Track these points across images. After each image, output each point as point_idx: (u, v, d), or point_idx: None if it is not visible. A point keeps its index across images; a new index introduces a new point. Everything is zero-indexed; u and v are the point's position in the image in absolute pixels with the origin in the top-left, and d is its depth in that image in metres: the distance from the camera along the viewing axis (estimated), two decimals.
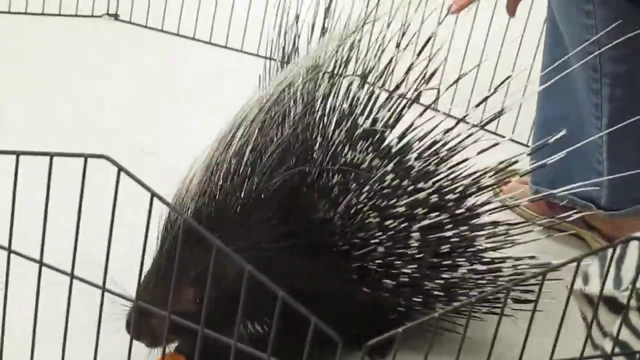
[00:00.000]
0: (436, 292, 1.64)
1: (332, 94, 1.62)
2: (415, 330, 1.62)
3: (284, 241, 1.49)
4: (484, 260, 1.66)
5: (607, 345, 1.22)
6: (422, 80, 1.67)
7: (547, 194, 1.91)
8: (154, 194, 0.86)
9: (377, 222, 1.56)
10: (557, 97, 2.03)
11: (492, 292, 1.01)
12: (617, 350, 1.18)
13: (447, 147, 1.64)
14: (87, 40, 3.08)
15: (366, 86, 1.64)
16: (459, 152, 1.65)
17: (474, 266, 1.65)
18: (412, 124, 1.66)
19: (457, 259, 1.64)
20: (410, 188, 1.60)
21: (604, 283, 1.11)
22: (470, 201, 1.65)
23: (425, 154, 1.63)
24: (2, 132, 2.34)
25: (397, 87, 1.65)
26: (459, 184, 1.64)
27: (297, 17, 1.69)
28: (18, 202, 0.94)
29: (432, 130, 1.66)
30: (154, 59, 3.02)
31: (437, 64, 1.72)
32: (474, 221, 1.65)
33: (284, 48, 1.68)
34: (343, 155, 1.59)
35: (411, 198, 1.58)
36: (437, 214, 1.60)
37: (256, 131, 1.47)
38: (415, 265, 1.60)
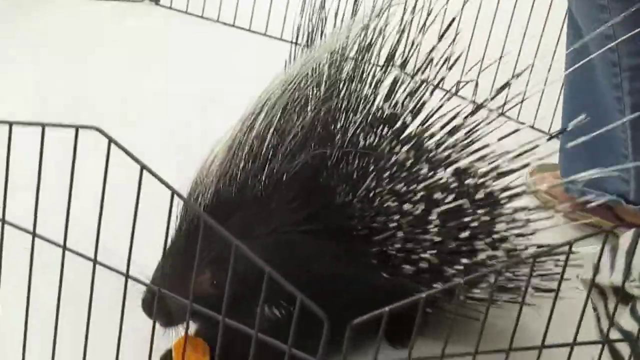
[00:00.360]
0: (456, 279, 1.62)
1: (355, 78, 1.61)
2: (434, 318, 1.64)
3: (304, 225, 1.49)
4: (504, 246, 1.64)
5: (613, 335, 1.21)
6: (445, 65, 1.66)
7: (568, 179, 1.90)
8: (143, 167, 0.86)
9: (396, 206, 1.55)
10: (582, 92, 2.03)
11: (478, 275, 0.99)
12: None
13: (467, 130, 1.62)
14: (128, 25, 3.10)
15: (389, 71, 1.63)
16: (479, 138, 1.64)
17: (494, 252, 1.63)
18: (421, 102, 1.63)
19: (477, 245, 1.61)
20: (430, 173, 1.59)
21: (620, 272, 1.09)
22: (490, 186, 1.63)
23: (446, 139, 1.61)
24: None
25: (419, 71, 1.63)
26: (478, 168, 1.62)
27: (323, 1, 1.68)
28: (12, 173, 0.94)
29: (454, 116, 1.64)
30: (192, 45, 3.02)
31: (460, 48, 1.70)
32: (494, 207, 1.63)
33: (309, 32, 1.67)
34: (363, 139, 1.58)
35: (430, 180, 1.56)
36: (455, 196, 1.58)
37: (279, 113, 1.47)
38: (435, 251, 1.58)
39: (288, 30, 3.01)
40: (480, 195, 1.61)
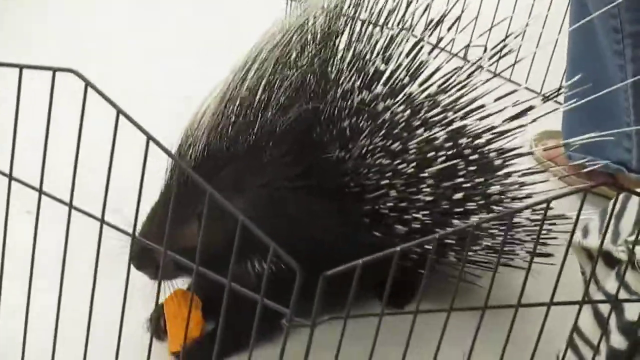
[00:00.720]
0: (448, 240, 1.62)
1: (348, 32, 1.59)
2: (434, 281, 1.64)
3: (296, 180, 1.48)
4: (498, 208, 1.64)
5: (598, 298, 1.21)
6: (440, 24, 1.65)
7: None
8: (120, 111, 0.85)
9: (389, 164, 1.54)
10: (585, 60, 2.02)
11: (454, 230, 0.98)
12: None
13: (461, 89, 1.61)
14: None
15: (384, 28, 1.62)
16: (476, 97, 1.63)
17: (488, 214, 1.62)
18: (418, 61, 1.61)
19: (470, 206, 1.61)
20: (425, 133, 1.57)
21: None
22: (485, 146, 1.62)
23: (441, 99, 1.60)
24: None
25: (412, 29, 1.62)
26: (473, 128, 1.61)
27: None
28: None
29: (451, 76, 1.63)
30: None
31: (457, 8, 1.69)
32: (488, 168, 1.62)
33: None
34: (357, 95, 1.56)
35: (423, 137, 1.55)
36: (449, 156, 1.57)
37: (271, 66, 1.46)
38: (427, 212, 1.58)
39: None
40: (474, 156, 1.60)
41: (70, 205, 0.93)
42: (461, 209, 1.60)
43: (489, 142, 1.63)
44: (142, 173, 0.90)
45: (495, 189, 1.63)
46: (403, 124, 1.56)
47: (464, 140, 1.61)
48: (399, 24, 1.62)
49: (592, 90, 1.70)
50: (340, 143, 1.54)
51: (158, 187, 1.44)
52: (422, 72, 1.62)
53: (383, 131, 1.55)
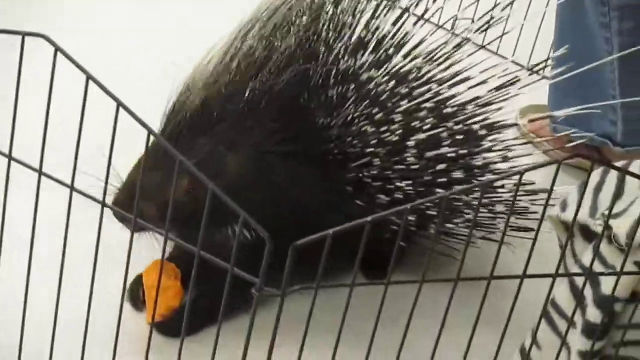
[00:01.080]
0: (430, 212, 1.61)
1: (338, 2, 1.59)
2: (413, 252, 1.64)
3: (283, 145, 1.48)
4: (480, 179, 1.63)
5: (575, 271, 1.20)
6: None
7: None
8: (89, 77, 0.85)
9: (373, 132, 1.54)
10: (572, 32, 2.01)
11: (427, 200, 0.98)
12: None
13: (445, 58, 1.60)
14: None
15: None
16: (461, 69, 1.62)
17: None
18: (400, 30, 1.61)
19: (453, 177, 1.60)
20: (409, 103, 1.57)
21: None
22: (469, 116, 1.62)
23: (427, 70, 1.60)
24: None
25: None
26: (458, 99, 1.61)
27: None
28: None
29: (437, 47, 1.62)
30: None
31: None
32: (473, 139, 1.62)
33: None
34: (343, 64, 1.56)
35: (408, 106, 1.55)
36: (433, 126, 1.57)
37: (270, 29, 1.46)
38: (410, 181, 1.57)
39: None
40: (459, 126, 1.60)
41: (40, 172, 0.92)
42: (444, 180, 1.60)
43: (473, 113, 1.62)
44: (112, 140, 0.89)
45: (478, 161, 1.63)
46: (388, 93, 1.55)
47: (448, 111, 1.60)
48: None
49: (578, 63, 1.69)
50: (326, 110, 1.54)
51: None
52: (408, 42, 1.61)
53: (368, 100, 1.54)
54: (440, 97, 1.60)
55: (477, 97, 1.62)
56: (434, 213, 1.60)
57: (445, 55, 1.61)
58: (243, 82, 1.45)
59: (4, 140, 0.99)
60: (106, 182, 0.94)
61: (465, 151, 1.60)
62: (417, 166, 1.57)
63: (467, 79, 1.62)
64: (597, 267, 1.14)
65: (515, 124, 1.74)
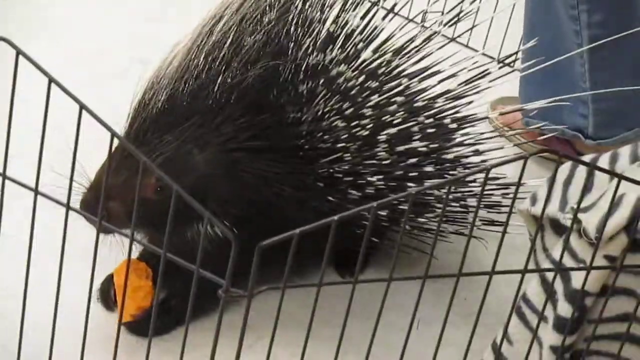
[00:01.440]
0: (402, 207, 1.61)
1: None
2: (387, 247, 1.64)
3: (252, 141, 1.47)
4: (452, 173, 1.63)
5: (546, 266, 1.20)
6: None
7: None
8: (51, 80, 0.83)
9: (344, 127, 1.53)
10: (541, 25, 2.01)
11: (393, 198, 0.97)
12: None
13: (414, 52, 1.60)
14: None
15: None
16: (431, 63, 1.62)
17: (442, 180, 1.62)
18: (369, 24, 1.61)
19: (425, 172, 1.60)
20: (379, 98, 1.56)
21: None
22: (439, 109, 1.62)
23: (397, 64, 1.59)
24: None
25: None
26: (428, 93, 1.61)
27: None
28: None
29: (407, 41, 1.61)
30: None
31: None
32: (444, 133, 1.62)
33: None
34: (312, 59, 1.55)
35: (378, 100, 1.54)
36: (404, 120, 1.56)
37: (237, 24, 1.44)
38: (382, 176, 1.57)
39: None
40: (429, 120, 1.60)
41: (4, 176, 0.91)
42: (416, 174, 1.59)
43: (444, 106, 1.62)
44: (76, 142, 0.88)
45: (450, 154, 1.62)
46: (358, 88, 1.55)
47: (419, 105, 1.60)
48: None
49: (548, 56, 1.70)
50: (296, 106, 1.53)
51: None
52: (377, 36, 1.60)
53: (338, 95, 1.54)
54: (410, 91, 1.60)
55: (448, 91, 1.62)
56: (406, 208, 1.60)
57: (415, 49, 1.60)
58: (209, 78, 1.43)
59: None
60: (70, 185, 0.93)
61: (436, 145, 1.60)
62: (388, 161, 1.56)
63: (437, 72, 1.62)
64: (568, 261, 1.14)
65: (486, 118, 1.74)
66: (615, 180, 1.01)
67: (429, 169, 1.60)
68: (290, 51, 1.53)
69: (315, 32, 1.55)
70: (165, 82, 1.42)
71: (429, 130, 1.59)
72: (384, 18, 1.61)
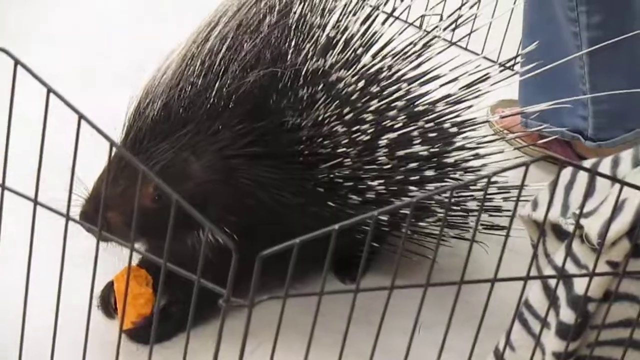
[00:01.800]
0: (403, 212, 1.60)
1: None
2: (389, 252, 1.63)
3: (250, 147, 1.46)
4: (453, 177, 1.63)
5: (548, 272, 1.20)
6: None
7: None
8: (50, 90, 0.83)
9: (344, 132, 1.53)
10: (541, 28, 2.00)
11: (395, 207, 0.97)
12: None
13: (415, 57, 1.59)
14: None
15: None
16: (431, 68, 1.61)
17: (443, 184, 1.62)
18: (369, 29, 1.60)
19: (426, 176, 1.60)
20: (380, 103, 1.56)
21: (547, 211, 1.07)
22: (440, 114, 1.62)
23: (397, 69, 1.59)
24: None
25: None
26: (428, 98, 1.60)
27: None
28: None
29: (407, 46, 1.61)
30: None
31: None
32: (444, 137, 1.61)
33: None
34: (311, 65, 1.55)
35: (378, 106, 1.54)
36: (404, 124, 1.56)
37: (233, 30, 1.44)
38: (382, 181, 1.56)
39: None
40: (430, 124, 1.59)
41: (3, 186, 0.91)
42: (416, 178, 1.59)
43: (444, 111, 1.62)
44: (75, 152, 0.88)
45: (450, 159, 1.62)
46: (358, 93, 1.54)
47: (419, 109, 1.60)
48: None
49: (547, 59, 1.69)
50: (296, 111, 1.53)
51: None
52: (377, 41, 1.60)
53: (338, 100, 1.53)
54: (411, 96, 1.59)
55: (448, 95, 1.61)
56: (407, 212, 1.59)
57: (416, 53, 1.60)
58: (206, 85, 1.43)
59: None
60: (70, 195, 0.93)
61: (437, 149, 1.59)
62: (388, 165, 1.56)
63: (437, 77, 1.61)
64: (570, 267, 1.14)
65: (486, 122, 1.73)
66: (617, 185, 1.01)
67: (429, 173, 1.60)
68: (289, 56, 1.53)
69: (315, 37, 1.55)
70: (161, 91, 1.41)
71: (430, 135, 1.58)
72: (383, 23, 1.60)
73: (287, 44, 1.53)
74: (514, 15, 2.24)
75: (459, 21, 1.64)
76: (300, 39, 1.55)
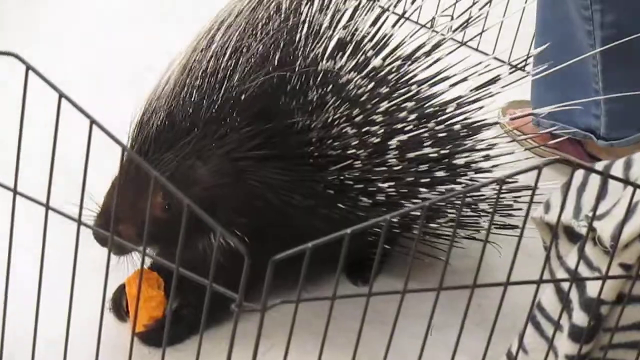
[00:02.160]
0: (414, 213, 1.60)
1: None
2: (400, 253, 1.63)
3: (259, 150, 1.46)
4: (464, 179, 1.63)
5: (560, 275, 1.19)
6: None
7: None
8: (62, 95, 0.83)
9: (354, 134, 1.52)
10: (554, 26, 2.00)
11: (405, 211, 0.97)
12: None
13: (425, 57, 1.59)
14: None
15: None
16: (442, 69, 1.61)
17: (453, 186, 1.61)
18: (379, 30, 1.59)
19: (436, 177, 1.59)
20: (390, 104, 1.56)
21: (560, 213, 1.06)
22: (451, 116, 1.62)
23: (407, 71, 1.58)
24: None
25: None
26: (439, 99, 1.60)
27: None
28: None
29: (417, 47, 1.61)
30: None
31: None
32: (455, 138, 1.61)
33: None
34: (322, 66, 1.54)
35: (388, 107, 1.53)
36: (414, 126, 1.56)
37: (237, 32, 1.43)
38: (392, 183, 1.56)
39: None
40: (440, 126, 1.59)
41: (15, 191, 0.91)
42: (427, 180, 1.59)
43: (455, 112, 1.61)
44: (86, 157, 0.88)
45: (461, 160, 1.62)
46: (367, 94, 1.54)
47: (430, 111, 1.59)
48: None
49: (560, 57, 1.69)
50: (305, 113, 1.52)
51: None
52: (388, 43, 1.60)
53: (348, 102, 1.53)
54: (421, 97, 1.59)
55: (459, 97, 1.60)
56: (418, 213, 1.59)
57: (426, 55, 1.60)
58: (211, 89, 1.42)
59: None
60: (82, 199, 0.93)
61: (447, 151, 1.59)
62: (399, 167, 1.56)
63: (447, 77, 1.61)
64: (583, 270, 1.13)
65: (497, 123, 1.73)
66: (630, 187, 1.00)
67: (439, 174, 1.59)
68: (299, 58, 1.52)
69: (325, 39, 1.54)
70: (163, 100, 1.41)
71: (440, 136, 1.58)
72: (394, 25, 1.59)
73: (295, 45, 1.53)
74: (525, 14, 2.23)
75: (470, 22, 1.63)
76: (310, 40, 1.55)
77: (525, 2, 2.03)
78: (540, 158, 1.97)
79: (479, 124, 1.64)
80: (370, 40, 1.57)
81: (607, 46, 1.80)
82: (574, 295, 1.15)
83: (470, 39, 1.77)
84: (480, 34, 1.82)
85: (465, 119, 1.62)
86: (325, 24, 1.56)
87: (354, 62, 1.55)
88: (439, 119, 1.60)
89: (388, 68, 1.57)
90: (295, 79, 1.52)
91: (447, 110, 1.61)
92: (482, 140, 1.64)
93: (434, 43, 1.61)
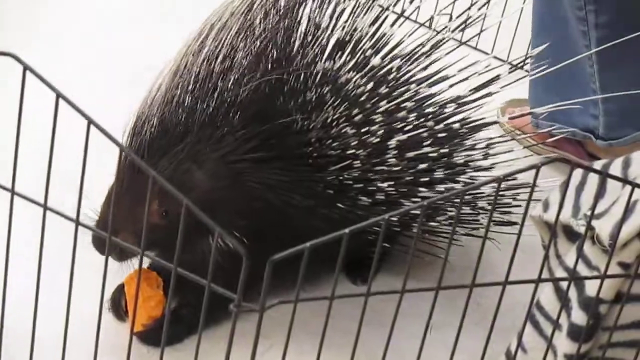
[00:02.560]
0: (413, 212, 1.60)
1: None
2: (396, 253, 1.63)
3: (256, 151, 1.45)
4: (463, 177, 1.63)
5: (559, 274, 1.19)
6: None
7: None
8: (59, 95, 0.83)
9: (353, 134, 1.52)
10: (550, 27, 2.00)
11: (405, 210, 0.97)
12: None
13: (424, 57, 1.59)
14: None
15: None
16: (441, 68, 1.61)
17: (453, 185, 1.61)
18: (378, 30, 1.59)
19: (436, 177, 1.59)
20: (389, 104, 1.56)
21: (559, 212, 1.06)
22: (450, 115, 1.61)
23: (404, 67, 1.58)
24: None
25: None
26: (438, 99, 1.60)
27: None
28: None
29: (416, 47, 1.61)
30: None
31: None
32: (454, 138, 1.61)
33: None
34: (320, 66, 1.54)
35: (388, 107, 1.53)
36: (414, 126, 1.56)
37: (230, 34, 1.43)
38: (392, 182, 1.56)
39: None
40: (439, 126, 1.59)
41: (13, 192, 0.91)
42: (426, 179, 1.59)
43: (454, 112, 1.61)
44: (84, 158, 0.88)
45: (460, 159, 1.62)
46: (367, 94, 1.54)
47: (429, 111, 1.59)
48: None
49: (557, 58, 1.69)
50: (304, 113, 1.52)
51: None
52: (387, 43, 1.59)
53: (347, 102, 1.53)
54: (420, 97, 1.59)
55: (458, 97, 1.60)
56: (417, 212, 1.59)
57: (425, 54, 1.59)
58: (204, 93, 1.42)
59: None
60: (79, 199, 0.93)
61: (446, 150, 1.59)
62: (398, 167, 1.55)
63: (446, 77, 1.61)
64: (581, 269, 1.13)
65: (496, 122, 1.73)
66: (629, 186, 1.00)
67: (439, 173, 1.59)
68: (297, 58, 1.52)
69: (323, 39, 1.54)
70: (155, 108, 1.40)
71: (439, 135, 1.58)
72: (392, 24, 1.59)
73: (293, 45, 1.52)
74: (523, 14, 2.23)
75: (469, 21, 1.63)
76: (308, 40, 1.54)
77: (524, 2, 2.03)
78: (539, 156, 1.97)
79: (478, 123, 1.64)
80: (370, 39, 1.56)
81: (602, 47, 1.79)
82: (572, 294, 1.15)
83: (470, 39, 1.77)
84: (479, 33, 1.82)
85: (465, 118, 1.62)
86: (324, 23, 1.56)
87: (353, 62, 1.55)
88: (438, 118, 1.59)
89: (387, 67, 1.56)
90: (293, 79, 1.52)
91: (446, 110, 1.60)
92: (482, 139, 1.63)
93: (433, 42, 1.60)
